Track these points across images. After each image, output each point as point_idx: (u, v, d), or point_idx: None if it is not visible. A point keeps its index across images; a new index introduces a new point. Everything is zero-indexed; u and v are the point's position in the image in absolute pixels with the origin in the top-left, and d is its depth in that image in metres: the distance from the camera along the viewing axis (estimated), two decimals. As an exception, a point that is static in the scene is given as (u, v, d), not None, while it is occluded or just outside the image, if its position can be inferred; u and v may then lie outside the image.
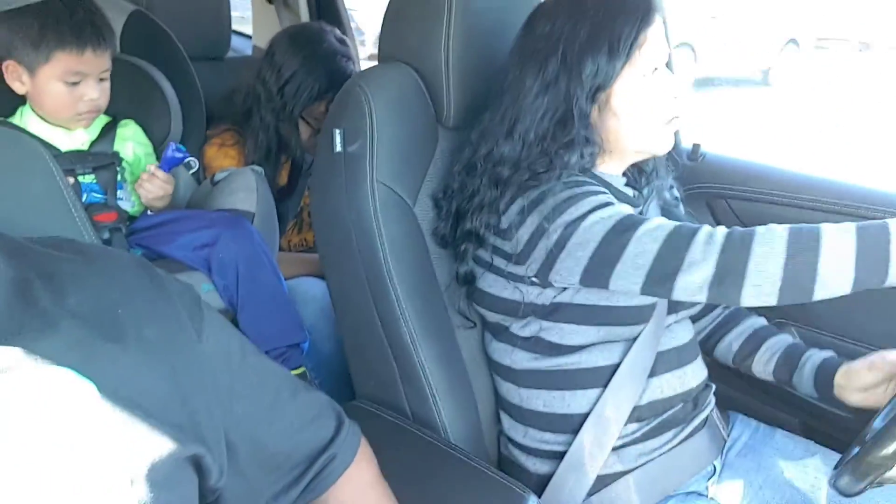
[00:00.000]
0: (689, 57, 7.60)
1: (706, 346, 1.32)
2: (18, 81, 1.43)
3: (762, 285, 0.91)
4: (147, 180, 1.54)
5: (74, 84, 1.44)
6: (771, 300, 0.92)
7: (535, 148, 1.09)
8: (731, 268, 0.92)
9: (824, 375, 1.15)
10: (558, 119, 1.07)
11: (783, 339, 1.25)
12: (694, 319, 1.26)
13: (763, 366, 1.25)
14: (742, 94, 7.95)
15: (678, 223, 0.98)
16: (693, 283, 0.94)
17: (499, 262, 1.12)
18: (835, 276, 0.90)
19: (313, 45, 1.81)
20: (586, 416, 1.12)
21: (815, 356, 1.19)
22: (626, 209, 1.03)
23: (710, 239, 0.94)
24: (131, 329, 0.64)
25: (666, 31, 1.12)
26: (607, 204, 1.03)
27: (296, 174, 1.92)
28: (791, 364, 1.21)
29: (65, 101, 1.45)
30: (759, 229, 0.94)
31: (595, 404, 1.12)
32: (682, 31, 7.60)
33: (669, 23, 1.17)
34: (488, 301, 1.17)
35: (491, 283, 1.15)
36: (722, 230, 0.95)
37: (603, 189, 1.08)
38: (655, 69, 1.08)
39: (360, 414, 0.89)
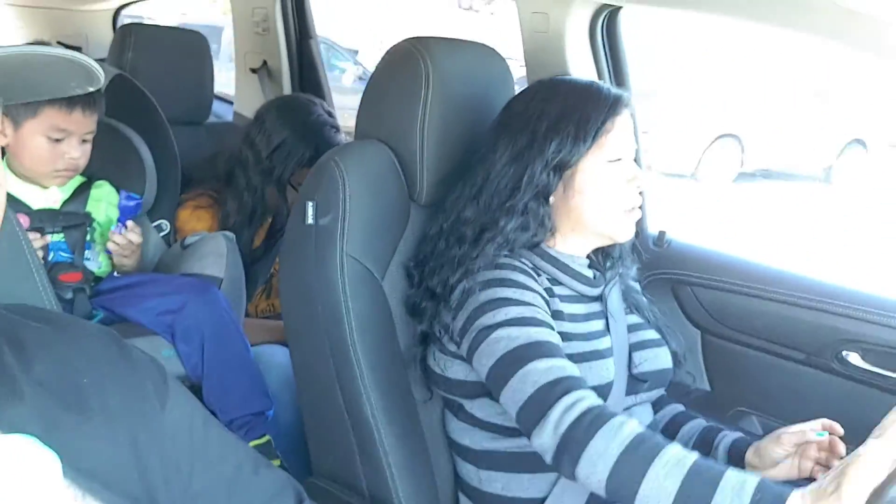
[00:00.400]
0: (736, 148, 7.60)
1: None
2: (1, 133, 1.43)
3: (594, 469, 0.90)
4: (124, 240, 1.54)
5: (58, 141, 1.45)
6: (599, 488, 0.91)
7: (496, 213, 1.13)
8: (572, 443, 0.92)
9: (736, 455, 1.16)
10: (515, 188, 1.12)
11: (698, 424, 1.25)
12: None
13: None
14: (797, 189, 7.67)
15: (560, 374, 0.98)
16: (541, 443, 0.95)
17: (445, 338, 1.14)
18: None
19: (304, 115, 1.86)
20: (544, 499, 1.11)
21: (726, 438, 1.20)
22: (537, 333, 1.04)
23: (569, 407, 0.94)
24: (95, 399, 0.64)
25: (634, 127, 1.18)
26: (521, 320, 1.04)
27: (272, 238, 1.94)
28: (706, 448, 1.21)
29: (45, 156, 1.45)
30: (613, 422, 0.92)
31: (553, 487, 1.11)
32: (731, 122, 7.60)
33: (638, 119, 1.22)
34: (439, 380, 1.17)
35: (440, 362, 1.16)
36: (583, 407, 0.94)
37: (524, 296, 1.07)
38: (619, 159, 1.13)
39: (315, 492, 0.87)
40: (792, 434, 1.07)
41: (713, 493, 0.83)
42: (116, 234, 1.53)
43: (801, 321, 1.38)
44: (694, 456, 0.88)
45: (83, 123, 1.46)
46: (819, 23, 1.11)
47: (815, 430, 1.06)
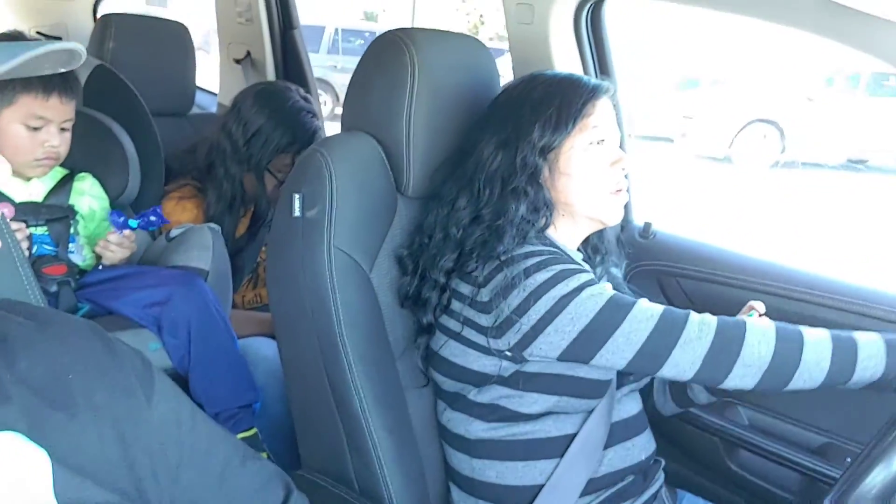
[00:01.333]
0: (773, 134, 7.71)
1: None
2: None
3: (751, 366, 1.01)
4: (117, 244, 1.54)
5: (36, 129, 1.43)
6: (750, 384, 1.02)
7: (490, 200, 1.14)
8: (725, 347, 1.02)
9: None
10: (510, 173, 1.14)
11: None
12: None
13: (664, 399, 1.30)
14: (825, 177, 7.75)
15: (667, 307, 1.06)
16: (685, 359, 1.02)
17: (470, 333, 1.13)
18: (812, 371, 1.02)
19: (279, 101, 1.85)
20: (539, 487, 1.12)
21: None
22: (611, 289, 1.08)
23: (704, 320, 1.04)
24: (81, 395, 0.64)
25: (619, 115, 1.20)
26: (595, 282, 1.08)
27: (256, 226, 1.93)
28: (681, 385, 1.27)
29: (24, 144, 1.44)
30: (748, 321, 1.04)
31: (550, 476, 1.12)
32: (768, 107, 7.73)
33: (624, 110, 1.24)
34: (452, 370, 1.16)
35: (457, 353, 1.15)
36: (711, 316, 1.04)
37: (586, 268, 1.13)
38: (602, 141, 1.15)
39: (304, 485, 0.87)
40: None
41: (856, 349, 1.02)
42: (114, 235, 1.53)
43: (787, 312, 1.39)
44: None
45: (61, 110, 1.45)
46: (806, 17, 1.12)
47: (747, 314, 1.17)
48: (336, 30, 10.42)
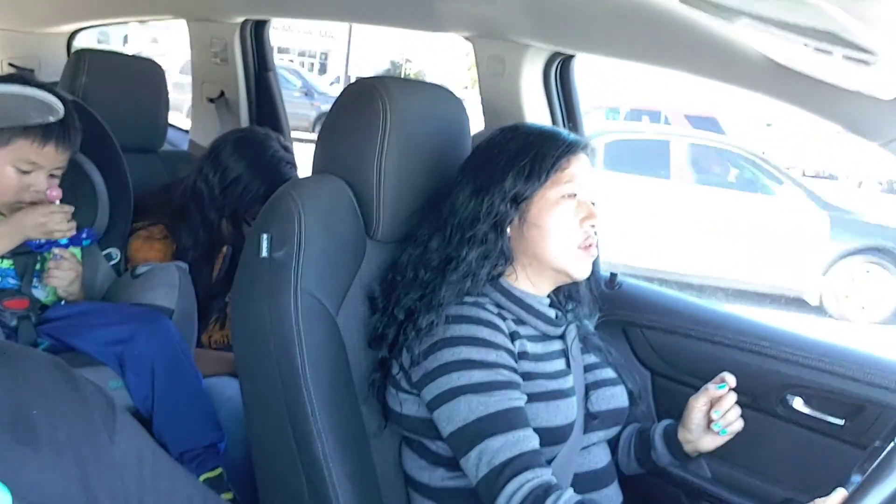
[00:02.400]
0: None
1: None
2: None
3: None
4: (55, 268, 1.49)
5: (25, 172, 1.42)
6: None
7: (459, 244, 1.16)
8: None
9: (671, 439, 1.25)
10: (474, 219, 1.16)
11: (631, 429, 1.31)
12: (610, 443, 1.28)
13: (627, 459, 1.30)
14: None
15: (512, 452, 1.05)
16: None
17: (400, 377, 1.15)
18: None
19: (259, 150, 1.85)
20: None
21: (658, 428, 1.27)
22: (497, 402, 1.07)
23: (511, 495, 1.03)
24: (44, 430, 0.64)
25: (594, 171, 1.22)
26: (483, 386, 1.08)
27: (231, 271, 1.91)
28: (645, 446, 1.27)
29: (11, 185, 1.43)
30: None
31: None
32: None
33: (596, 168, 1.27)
34: (402, 420, 1.17)
35: (400, 402, 1.16)
36: (523, 494, 1.02)
37: (489, 356, 1.10)
38: (574, 194, 1.17)
39: (262, 531, 0.86)
40: (698, 397, 1.18)
41: None
42: (54, 269, 1.49)
43: (746, 365, 1.41)
44: None
45: (54, 159, 1.44)
46: (763, 81, 1.16)
47: (717, 385, 1.17)
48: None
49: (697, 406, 1.18)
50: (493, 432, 1.05)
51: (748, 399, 1.43)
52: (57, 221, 1.45)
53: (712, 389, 1.17)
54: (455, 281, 1.15)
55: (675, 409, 1.41)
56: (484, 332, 1.11)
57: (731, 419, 1.17)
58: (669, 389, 1.54)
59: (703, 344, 1.48)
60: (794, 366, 1.38)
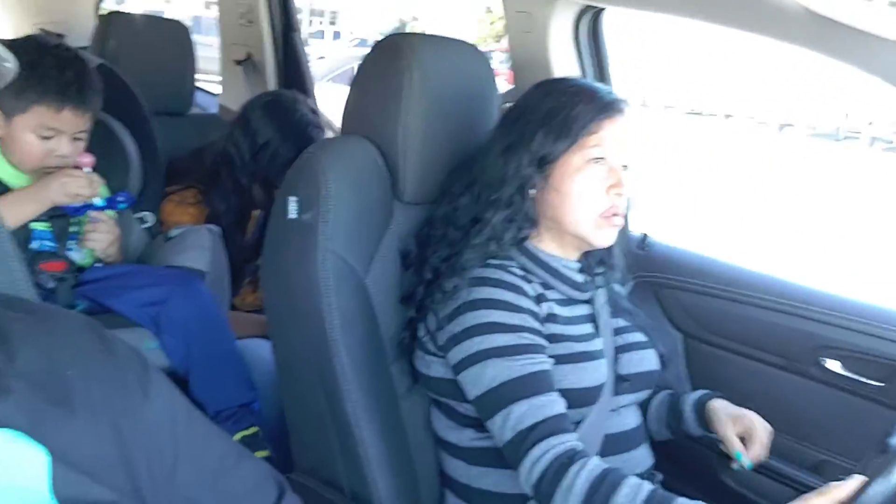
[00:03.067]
0: None
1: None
2: None
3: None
4: (93, 230, 1.52)
5: (47, 138, 1.43)
6: None
7: (485, 206, 1.15)
8: (540, 497, 1.02)
9: (700, 413, 1.24)
10: (501, 180, 1.14)
11: (662, 396, 1.30)
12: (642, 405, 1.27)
13: (657, 426, 1.29)
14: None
15: (537, 417, 1.04)
16: (522, 484, 1.04)
17: (427, 341, 1.15)
18: None
19: (288, 114, 1.86)
20: None
21: (689, 400, 1.26)
22: (522, 366, 1.06)
23: (536, 460, 1.02)
24: (79, 391, 0.65)
25: (634, 134, 1.17)
26: (508, 349, 1.07)
27: (263, 234, 1.93)
28: (676, 415, 1.26)
29: (34, 152, 1.44)
30: (569, 474, 1.00)
31: None
32: None
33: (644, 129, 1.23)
34: (428, 382, 1.18)
35: (428, 364, 1.16)
36: (548, 460, 1.01)
37: (513, 318, 1.09)
38: (602, 158, 1.12)
39: (296, 488, 0.86)
40: (747, 422, 1.18)
41: None
42: (91, 232, 1.52)
43: (780, 326, 1.39)
44: (646, 489, 0.96)
45: (73, 122, 1.45)
46: (798, 31, 1.11)
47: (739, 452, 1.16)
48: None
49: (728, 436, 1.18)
50: (518, 397, 1.04)
51: (782, 361, 1.41)
52: (80, 185, 1.46)
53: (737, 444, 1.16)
54: (479, 244, 1.14)
55: (707, 372, 1.40)
56: (507, 296, 1.10)
57: (757, 453, 1.16)
58: (701, 351, 1.52)
59: (735, 305, 1.46)
60: (830, 327, 1.35)
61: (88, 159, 1.49)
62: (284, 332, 1.23)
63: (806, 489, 1.30)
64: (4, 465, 0.58)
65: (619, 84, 1.67)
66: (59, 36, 2.53)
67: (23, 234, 1.46)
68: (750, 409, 1.20)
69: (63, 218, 1.52)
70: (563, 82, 1.19)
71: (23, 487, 0.58)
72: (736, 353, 1.47)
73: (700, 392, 1.26)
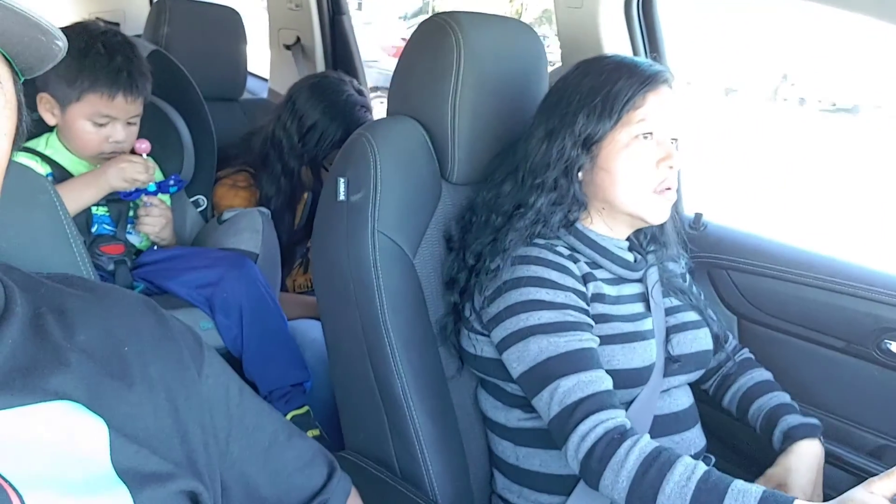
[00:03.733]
0: None
1: (715, 397, 1.32)
2: (50, 114, 1.47)
3: (613, 495, 0.97)
4: (145, 215, 1.56)
5: (101, 125, 1.47)
6: None
7: (529, 190, 1.13)
8: (588, 473, 0.99)
9: (742, 411, 1.25)
10: (546, 165, 1.12)
11: (767, 401, 1.25)
12: (700, 379, 1.26)
13: (754, 425, 1.27)
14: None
15: (583, 392, 1.01)
16: (568, 461, 1.01)
17: (474, 319, 1.15)
18: None
19: (334, 95, 1.86)
20: None
21: (784, 423, 1.20)
22: (567, 342, 1.05)
23: (584, 436, 0.99)
24: (136, 367, 0.67)
25: (679, 106, 1.14)
26: (553, 326, 1.05)
27: (312, 216, 1.95)
28: (769, 428, 1.22)
29: (90, 139, 1.48)
30: (620, 451, 0.97)
31: None
32: None
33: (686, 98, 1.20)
34: (477, 362, 1.18)
35: (474, 343, 1.16)
36: (597, 435, 0.99)
37: (558, 297, 1.07)
38: (650, 133, 1.10)
39: (346, 466, 0.88)
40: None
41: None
42: (144, 217, 1.56)
43: (840, 308, 1.34)
44: (701, 469, 0.93)
45: (125, 108, 1.48)
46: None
47: None
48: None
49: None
50: (565, 373, 1.03)
51: (841, 343, 1.37)
52: (137, 171, 1.49)
53: None
54: (522, 227, 1.12)
55: (762, 354, 1.37)
56: (552, 274, 1.08)
57: None
58: (756, 334, 1.49)
59: (791, 286, 1.41)
60: (893, 308, 1.31)
61: (145, 145, 1.54)
62: (334, 313, 1.25)
63: (866, 474, 1.28)
64: (67, 434, 0.60)
65: (676, 63, 1.62)
66: (116, 24, 2.59)
67: (83, 218, 1.51)
68: (808, 391, 1.17)
69: (121, 202, 1.56)
70: (602, 60, 1.16)
71: (84, 457, 0.60)
72: (792, 336, 1.44)
73: (794, 420, 1.20)
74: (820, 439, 1.18)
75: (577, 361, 1.03)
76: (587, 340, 1.06)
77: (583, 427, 0.99)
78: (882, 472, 0.85)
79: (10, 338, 0.61)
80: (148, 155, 1.55)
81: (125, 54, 1.47)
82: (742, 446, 1.40)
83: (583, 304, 1.09)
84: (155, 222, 1.56)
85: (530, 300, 1.07)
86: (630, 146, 1.10)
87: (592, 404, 1.01)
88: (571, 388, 1.02)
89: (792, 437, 1.17)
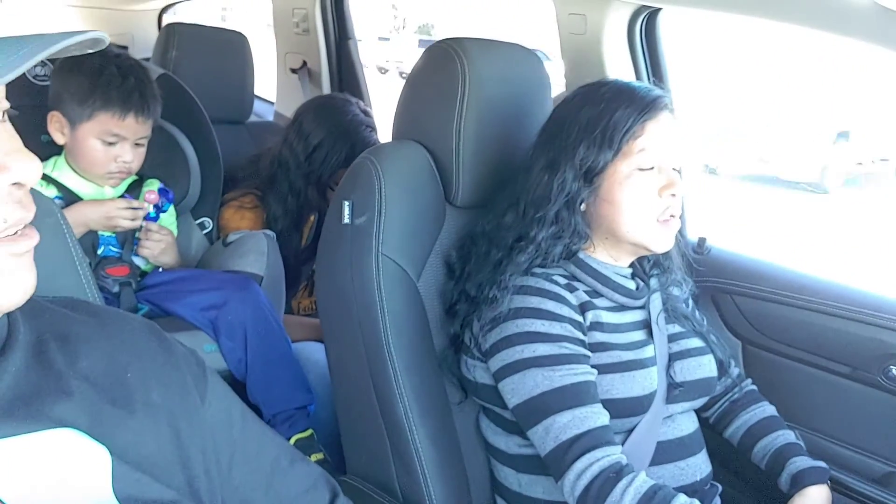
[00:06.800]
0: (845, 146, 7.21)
1: (718, 426, 1.31)
2: (60, 132, 1.49)
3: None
4: (145, 239, 1.57)
5: (111, 144, 1.49)
6: None
7: (530, 223, 1.13)
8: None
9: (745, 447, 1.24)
10: (546, 198, 1.12)
11: (773, 440, 1.23)
12: (703, 407, 1.25)
13: (759, 462, 1.25)
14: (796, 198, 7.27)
15: (580, 428, 1.01)
16: (565, 496, 1.01)
17: (473, 347, 1.14)
18: None
19: (339, 115, 1.88)
20: None
21: (792, 466, 1.18)
22: (562, 376, 1.04)
23: (580, 474, 1.00)
24: (139, 393, 0.67)
25: (679, 131, 1.14)
26: (548, 359, 1.05)
27: (318, 237, 1.96)
28: (777, 469, 1.21)
29: (99, 158, 1.49)
30: (615, 490, 0.97)
31: None
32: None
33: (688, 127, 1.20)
34: (474, 388, 1.18)
35: (473, 371, 1.16)
36: (593, 473, 0.99)
37: (553, 328, 1.07)
38: (651, 168, 1.10)
39: (348, 491, 0.87)
40: None
41: None
42: (145, 241, 1.57)
43: (845, 333, 1.34)
44: None
45: (135, 129, 1.50)
46: (863, 26, 1.07)
47: None
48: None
49: None
50: (560, 408, 1.02)
51: (847, 369, 1.36)
52: (124, 217, 1.52)
53: None
54: (522, 261, 1.12)
55: (767, 379, 1.36)
56: (549, 305, 1.08)
57: None
58: (761, 359, 1.48)
59: (797, 311, 1.41)
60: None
61: (153, 196, 1.58)
62: (337, 335, 1.25)
63: (873, 502, 1.26)
64: (69, 462, 0.60)
65: (678, 87, 1.63)
66: (124, 48, 2.62)
67: (90, 240, 1.51)
68: (813, 417, 1.16)
69: None
70: (601, 87, 1.14)
71: (86, 485, 0.60)
72: (797, 361, 1.43)
73: (803, 463, 1.18)
74: (827, 483, 1.16)
75: (573, 396, 1.03)
76: (583, 374, 1.05)
77: (578, 465, 0.99)
78: (888, 498, 0.84)
79: (14, 366, 0.61)
80: (160, 183, 1.56)
81: (138, 76, 1.49)
82: (748, 473, 1.39)
83: (579, 335, 1.08)
84: (153, 246, 1.58)
85: (526, 332, 1.07)
86: (631, 177, 1.09)
87: (588, 441, 1.00)
88: (566, 424, 1.01)
89: (800, 482, 1.16)
